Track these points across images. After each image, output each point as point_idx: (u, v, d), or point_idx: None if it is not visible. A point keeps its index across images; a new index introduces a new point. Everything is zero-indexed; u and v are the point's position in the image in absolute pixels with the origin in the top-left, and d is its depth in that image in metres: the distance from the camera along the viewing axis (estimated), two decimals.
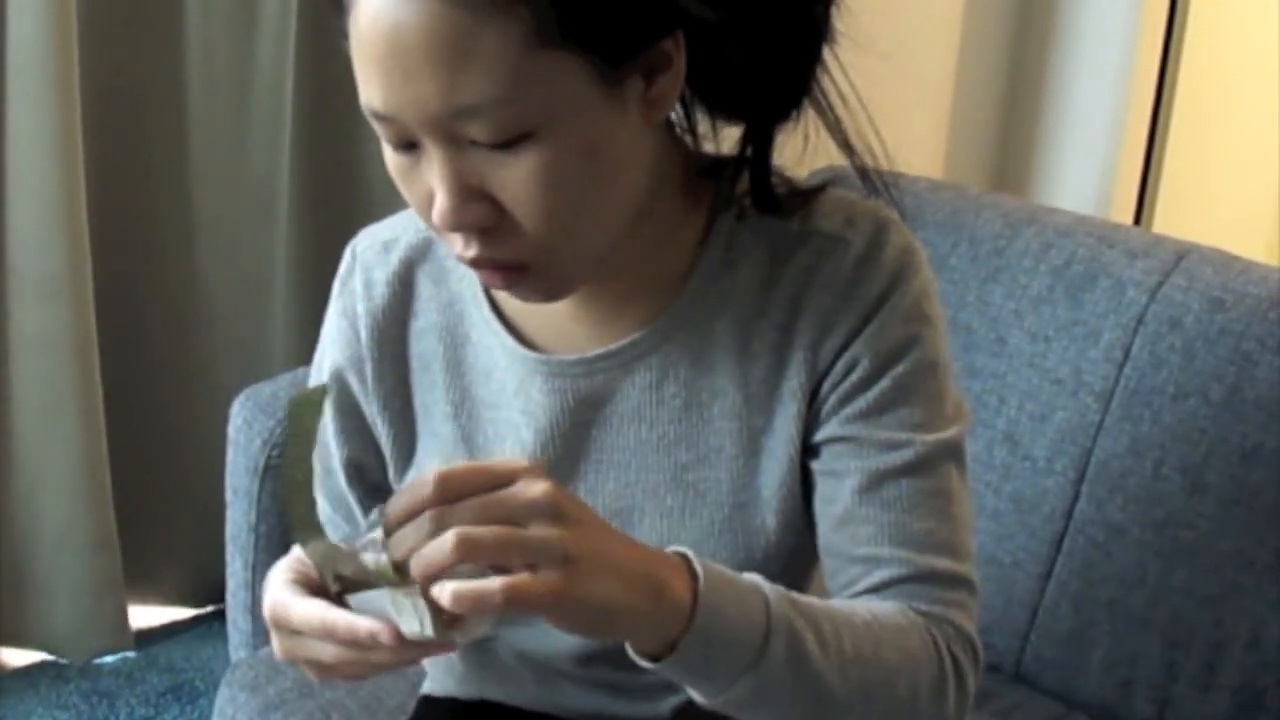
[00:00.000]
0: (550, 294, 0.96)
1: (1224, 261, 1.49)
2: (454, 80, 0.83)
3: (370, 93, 0.86)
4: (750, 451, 1.01)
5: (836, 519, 0.99)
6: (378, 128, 0.89)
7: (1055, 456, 1.52)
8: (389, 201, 1.13)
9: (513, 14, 0.81)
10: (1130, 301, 1.48)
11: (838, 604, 0.95)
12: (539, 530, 0.78)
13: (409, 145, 0.88)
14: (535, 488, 0.79)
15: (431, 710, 1.23)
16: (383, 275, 1.07)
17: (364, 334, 1.07)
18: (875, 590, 0.98)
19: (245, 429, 1.52)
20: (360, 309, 1.07)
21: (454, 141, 0.86)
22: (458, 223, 0.88)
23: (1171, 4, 2.45)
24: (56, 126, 1.86)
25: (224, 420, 1.56)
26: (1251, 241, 2.85)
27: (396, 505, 0.79)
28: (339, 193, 2.19)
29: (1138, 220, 2.58)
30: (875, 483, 0.98)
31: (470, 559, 0.76)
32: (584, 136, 0.87)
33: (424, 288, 1.07)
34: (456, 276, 1.06)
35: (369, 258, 1.08)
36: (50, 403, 1.99)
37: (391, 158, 0.90)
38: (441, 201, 0.87)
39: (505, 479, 0.79)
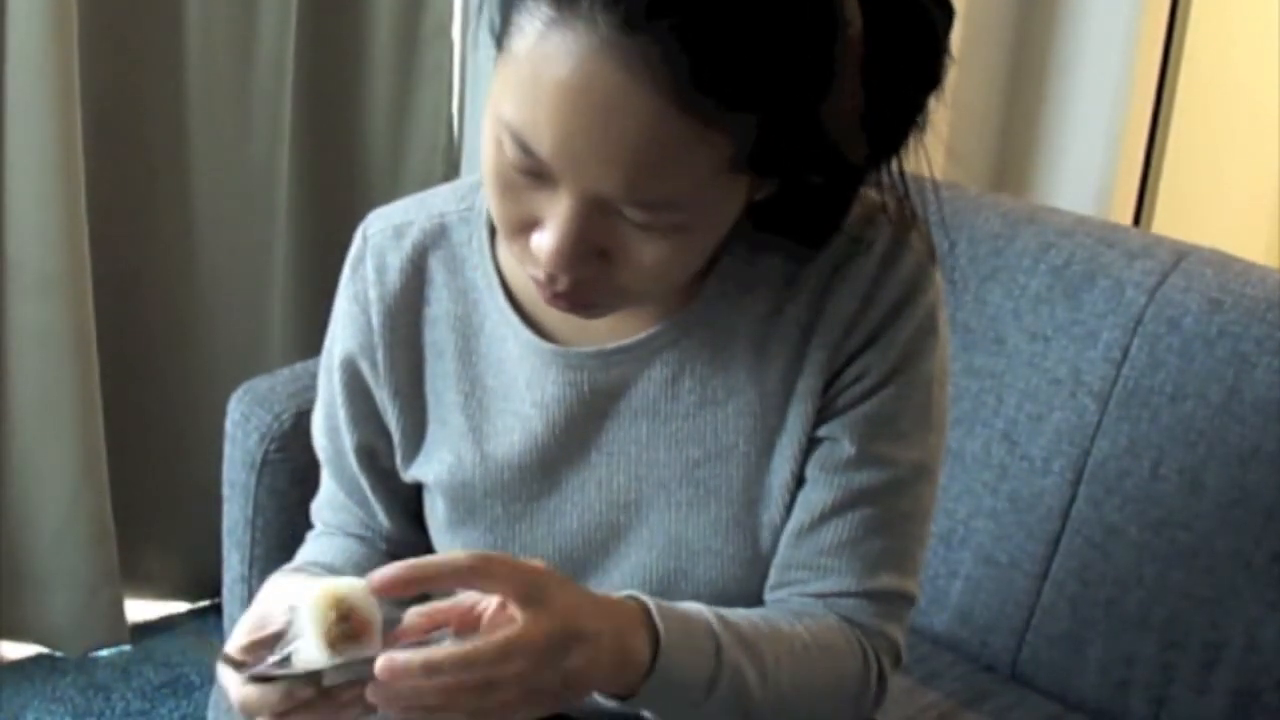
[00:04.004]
0: (603, 317, 0.97)
1: (1223, 263, 1.49)
2: (647, 178, 0.82)
3: (538, 136, 0.82)
4: (763, 449, 1.02)
5: (805, 525, 1.02)
6: (512, 146, 0.84)
7: (1053, 457, 1.51)
8: (388, 198, 1.12)
9: (722, 137, 0.81)
10: (1129, 302, 1.48)
11: (784, 626, 0.99)
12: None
13: (536, 174, 0.85)
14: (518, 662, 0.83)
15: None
16: (396, 260, 1.06)
17: (376, 320, 1.07)
18: (820, 596, 1.02)
19: (242, 423, 1.52)
20: (372, 294, 1.07)
21: (603, 208, 0.84)
22: (567, 270, 0.87)
23: (1173, 4, 2.45)
24: (56, 120, 1.86)
25: (221, 415, 1.56)
26: (1251, 243, 2.85)
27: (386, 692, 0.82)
28: (338, 188, 2.19)
29: (1137, 221, 2.57)
30: (852, 500, 1.01)
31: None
32: (720, 230, 0.89)
33: (438, 275, 1.06)
34: (471, 265, 1.06)
35: (381, 241, 1.07)
36: (48, 397, 1.99)
37: (505, 171, 0.86)
38: (557, 245, 0.86)
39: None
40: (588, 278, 0.88)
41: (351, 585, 0.84)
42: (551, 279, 0.89)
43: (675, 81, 0.77)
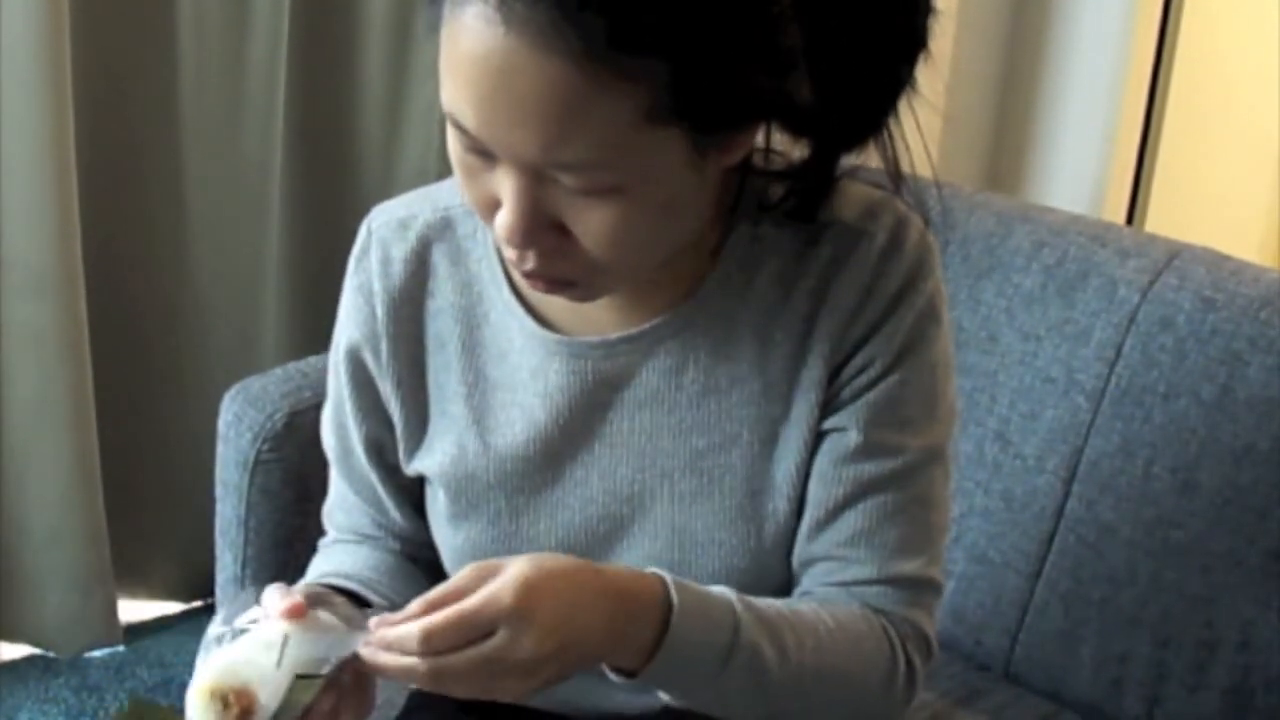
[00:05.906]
0: (590, 299, 0.98)
1: (1215, 261, 1.49)
2: (559, 139, 0.83)
3: (461, 111, 0.85)
4: (767, 439, 1.03)
5: (820, 519, 1.03)
6: (452, 128, 0.88)
7: (1046, 455, 1.52)
8: (382, 197, 1.13)
9: (631, 89, 0.81)
10: (1122, 301, 1.48)
11: (807, 612, 0.99)
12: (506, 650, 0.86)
13: (483, 152, 0.88)
14: (505, 608, 0.86)
15: (423, 705, 1.23)
16: (400, 253, 1.07)
17: (380, 311, 1.07)
18: (844, 585, 1.02)
19: (235, 423, 1.52)
20: (377, 286, 1.07)
21: (538, 176, 0.86)
22: (523, 243, 0.89)
23: (1165, 3, 2.45)
24: (48, 120, 1.86)
25: (214, 414, 1.56)
26: (1243, 241, 2.85)
27: (379, 659, 0.88)
28: (332, 187, 2.19)
29: (1130, 220, 2.58)
30: (862, 491, 1.01)
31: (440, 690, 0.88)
32: (666, 192, 0.89)
33: (441, 267, 1.07)
34: (475, 258, 1.06)
35: (385, 234, 1.08)
36: (41, 396, 1.99)
37: (459, 153, 0.90)
38: (510, 220, 0.88)
39: (485, 625, 0.86)
40: (551, 251, 0.90)
41: (222, 668, 0.88)
42: (520, 257, 0.91)
43: (572, 40, 0.79)
